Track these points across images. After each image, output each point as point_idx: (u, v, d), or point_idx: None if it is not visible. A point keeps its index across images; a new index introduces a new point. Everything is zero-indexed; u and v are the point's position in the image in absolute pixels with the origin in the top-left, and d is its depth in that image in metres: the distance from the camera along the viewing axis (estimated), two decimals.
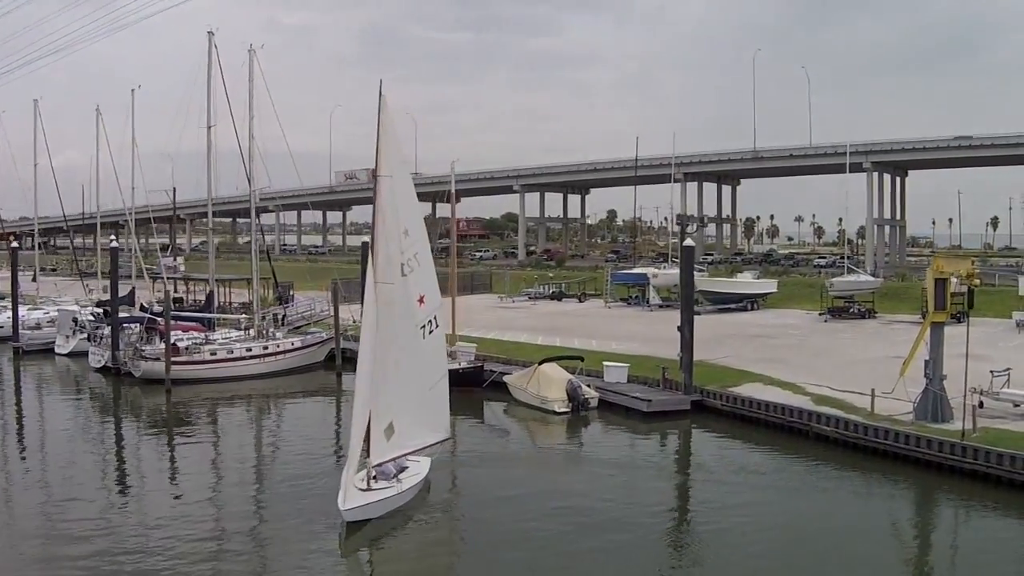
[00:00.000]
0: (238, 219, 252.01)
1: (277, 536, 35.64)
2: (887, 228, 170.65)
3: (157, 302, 79.27)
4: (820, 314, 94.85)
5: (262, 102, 75.86)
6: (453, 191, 76.44)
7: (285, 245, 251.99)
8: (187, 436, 56.27)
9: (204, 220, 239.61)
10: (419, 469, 39.87)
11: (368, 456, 37.31)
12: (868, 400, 48.96)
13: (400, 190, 38.53)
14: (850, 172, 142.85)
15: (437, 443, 41.36)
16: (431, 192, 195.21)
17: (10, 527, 37.32)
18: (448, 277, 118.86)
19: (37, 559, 33.25)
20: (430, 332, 40.18)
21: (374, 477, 37.38)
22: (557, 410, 57.18)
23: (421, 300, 39.41)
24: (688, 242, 65.15)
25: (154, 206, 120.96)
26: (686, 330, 58.21)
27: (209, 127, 77.07)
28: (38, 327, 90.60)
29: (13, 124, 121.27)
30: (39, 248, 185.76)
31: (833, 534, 35.84)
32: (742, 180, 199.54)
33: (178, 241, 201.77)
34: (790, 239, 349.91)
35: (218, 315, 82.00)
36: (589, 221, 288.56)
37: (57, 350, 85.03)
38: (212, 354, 71.99)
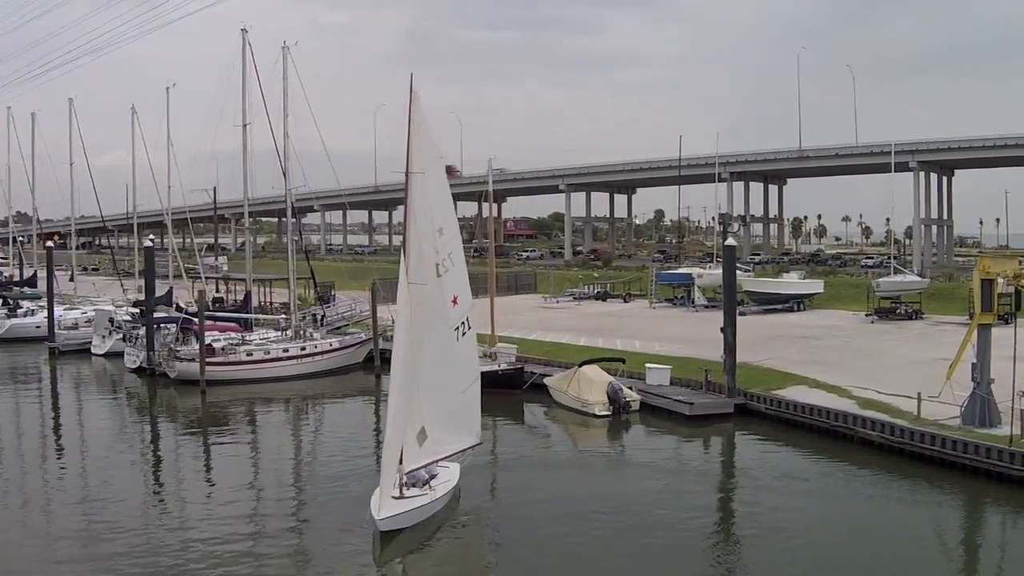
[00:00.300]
0: (284, 218, 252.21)
1: (309, 543, 35.08)
2: (934, 228, 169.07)
3: (195, 302, 79.11)
4: (866, 315, 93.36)
5: (299, 101, 75.86)
6: (491, 189, 75.49)
7: (331, 245, 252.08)
8: (221, 438, 55.97)
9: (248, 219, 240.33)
10: (450, 476, 38.87)
11: (400, 462, 36.35)
12: (914, 404, 47.69)
13: (433, 187, 37.14)
14: (896, 172, 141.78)
15: (468, 448, 40.42)
16: (476, 192, 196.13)
17: (47, 529, 37.41)
18: (493, 277, 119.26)
19: (70, 559, 33.29)
20: (463, 334, 39.10)
21: (405, 484, 36.47)
22: (597, 413, 56.35)
23: (455, 301, 38.30)
24: (730, 241, 64.14)
25: (196, 206, 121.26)
26: (728, 332, 57.24)
27: (244, 125, 77.17)
28: (75, 327, 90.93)
29: (54, 125, 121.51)
30: (83, 248, 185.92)
31: (877, 542, 34.79)
32: (788, 180, 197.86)
33: (223, 241, 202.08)
34: (838, 239, 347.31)
35: (255, 315, 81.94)
36: (637, 221, 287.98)
37: (93, 350, 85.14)
38: (248, 355, 71.79)
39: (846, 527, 36.70)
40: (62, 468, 47.69)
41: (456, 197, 66.67)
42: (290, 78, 75.34)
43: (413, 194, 36.27)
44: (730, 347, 56.96)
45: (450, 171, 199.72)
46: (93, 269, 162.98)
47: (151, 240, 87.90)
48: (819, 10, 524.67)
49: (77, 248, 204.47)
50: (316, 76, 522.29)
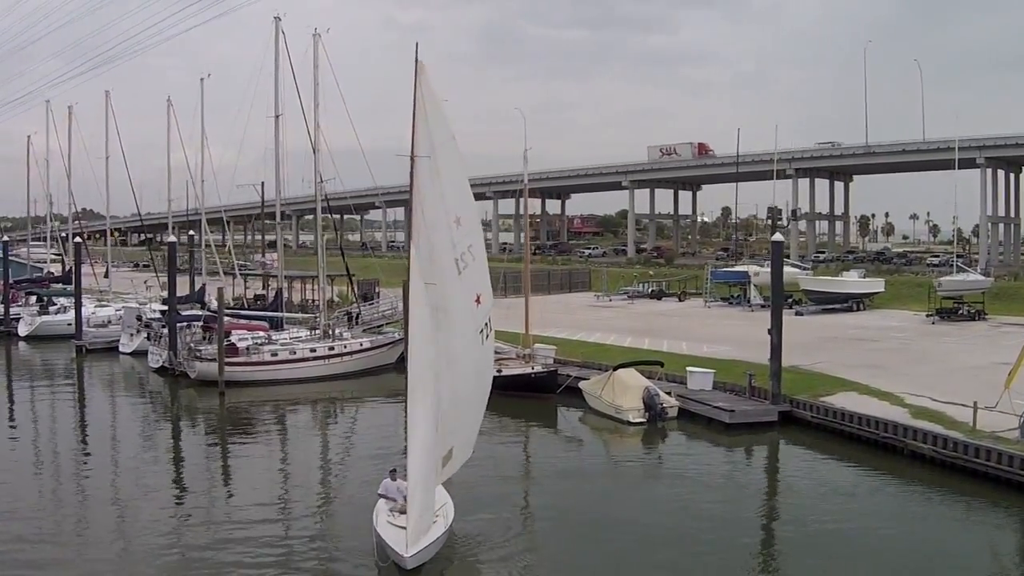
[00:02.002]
0: (344, 215, 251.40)
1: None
2: (1001, 226, 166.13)
3: (233, 299, 77.44)
4: (927, 315, 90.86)
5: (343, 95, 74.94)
6: (526, 182, 73.13)
7: (393, 242, 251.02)
8: (236, 443, 53.74)
9: (309, 217, 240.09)
10: (444, 497, 34.64)
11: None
12: (970, 413, 44.38)
13: (446, 172, 32.05)
14: (964, 168, 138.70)
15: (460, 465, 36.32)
16: (539, 188, 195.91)
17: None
18: (544, 275, 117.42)
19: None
20: (487, 336, 35.06)
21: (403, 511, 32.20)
22: (631, 420, 53.33)
23: (478, 300, 34.05)
24: (776, 237, 60.90)
25: (247, 203, 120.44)
26: (775, 333, 53.71)
27: (276, 116, 75.70)
28: (106, 325, 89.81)
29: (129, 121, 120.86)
30: (143, 244, 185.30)
31: (926, 569, 32.14)
32: (855, 176, 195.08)
33: (286, 237, 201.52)
34: (905, 237, 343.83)
35: (284, 314, 79.99)
36: (705, 219, 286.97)
37: (121, 348, 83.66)
38: (273, 355, 69.69)
39: (894, 550, 33.61)
40: (70, 472, 46.31)
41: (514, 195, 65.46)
42: (322, 68, 73.81)
43: (419, 180, 31.70)
44: (776, 350, 53.34)
45: (703, 148, 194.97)
46: (144, 265, 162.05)
47: (191, 236, 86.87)
48: (894, 9, 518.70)
49: (138, 244, 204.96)
50: (391, 74, 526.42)
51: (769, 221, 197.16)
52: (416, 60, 30.73)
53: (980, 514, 38.08)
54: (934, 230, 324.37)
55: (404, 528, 30.86)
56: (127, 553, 33.33)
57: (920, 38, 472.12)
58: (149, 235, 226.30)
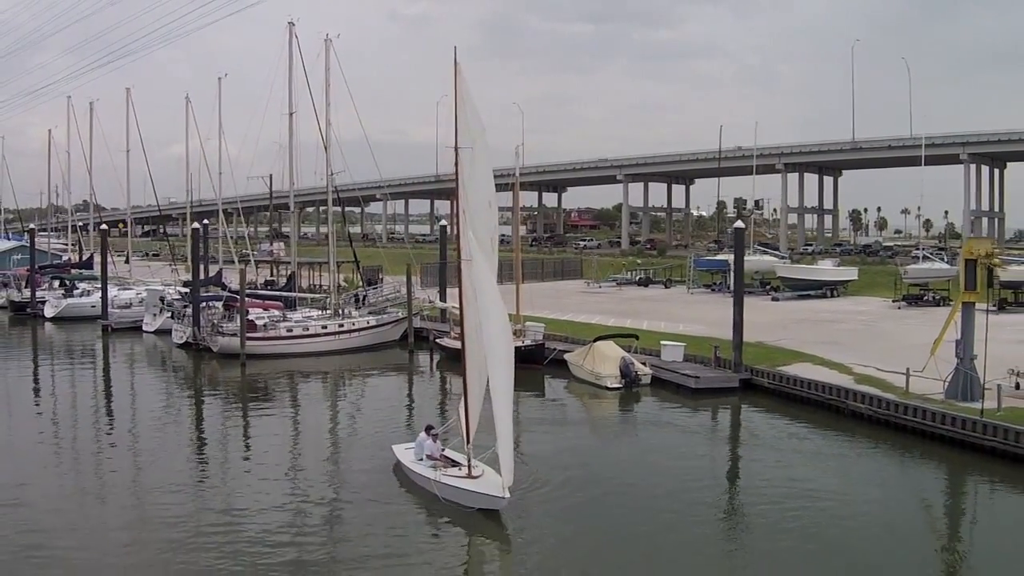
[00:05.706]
0: (346, 207, 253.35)
1: (361, 509, 36.27)
2: (985, 220, 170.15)
3: (250, 283, 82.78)
4: (894, 301, 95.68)
5: (351, 92, 79.49)
6: (518, 175, 77.78)
7: (393, 233, 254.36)
8: (258, 407, 58.59)
9: (310, 209, 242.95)
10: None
11: (468, 443, 37.13)
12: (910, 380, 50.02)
13: (482, 160, 36.05)
14: (948, 164, 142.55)
15: None
16: (536, 182, 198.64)
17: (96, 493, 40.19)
18: (537, 263, 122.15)
19: (115, 517, 35.59)
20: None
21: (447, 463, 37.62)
22: (609, 386, 59.42)
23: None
24: (738, 224, 66.71)
25: (256, 195, 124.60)
26: (736, 311, 60.31)
27: (290, 114, 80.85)
28: (128, 306, 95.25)
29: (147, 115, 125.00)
30: (148, 235, 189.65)
31: (858, 515, 35.72)
32: (844, 171, 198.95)
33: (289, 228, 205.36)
34: (898, 231, 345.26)
35: (298, 294, 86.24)
36: (703, 213, 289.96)
37: (144, 328, 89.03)
38: (289, 331, 75.45)
39: (826, 498, 37.84)
40: (107, 435, 50.53)
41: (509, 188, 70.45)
42: (333, 69, 79.27)
43: (464, 170, 35.72)
44: (737, 326, 60.09)
45: None
46: (154, 255, 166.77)
47: (205, 225, 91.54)
48: (901, 3, 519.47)
49: (142, 235, 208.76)
50: (393, 67, 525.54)
51: (761, 215, 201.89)
52: (455, 62, 35.04)
53: (910, 464, 44.09)
54: (926, 224, 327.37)
55: (469, 477, 36.06)
56: (150, 503, 36.81)
57: (926, 33, 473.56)
58: (152, 227, 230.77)
